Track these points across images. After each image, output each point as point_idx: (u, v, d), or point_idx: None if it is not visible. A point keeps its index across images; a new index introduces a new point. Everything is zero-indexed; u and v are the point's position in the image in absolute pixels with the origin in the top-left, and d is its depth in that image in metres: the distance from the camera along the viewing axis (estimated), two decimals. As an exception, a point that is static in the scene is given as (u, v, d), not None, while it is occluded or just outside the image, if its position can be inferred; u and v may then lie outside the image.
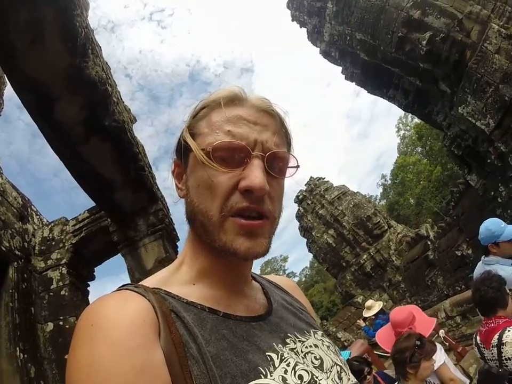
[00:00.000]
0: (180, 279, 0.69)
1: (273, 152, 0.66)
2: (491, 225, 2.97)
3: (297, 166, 0.71)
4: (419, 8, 7.65)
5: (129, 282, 0.70)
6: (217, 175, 0.63)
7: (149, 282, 0.67)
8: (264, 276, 0.90)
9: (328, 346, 0.73)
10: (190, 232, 0.73)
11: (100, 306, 0.56)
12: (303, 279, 52.28)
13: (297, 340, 0.68)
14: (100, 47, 4.57)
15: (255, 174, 0.62)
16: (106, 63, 4.78)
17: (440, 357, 2.97)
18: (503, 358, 2.30)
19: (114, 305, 0.56)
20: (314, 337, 0.73)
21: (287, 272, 53.28)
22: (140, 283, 0.66)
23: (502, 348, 2.31)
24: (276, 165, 0.67)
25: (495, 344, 2.36)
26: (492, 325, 2.49)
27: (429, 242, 13.35)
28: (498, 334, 2.38)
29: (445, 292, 11.39)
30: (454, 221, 11.57)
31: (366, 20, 8.70)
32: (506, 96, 6.81)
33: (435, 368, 2.88)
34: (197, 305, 0.62)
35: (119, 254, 6.25)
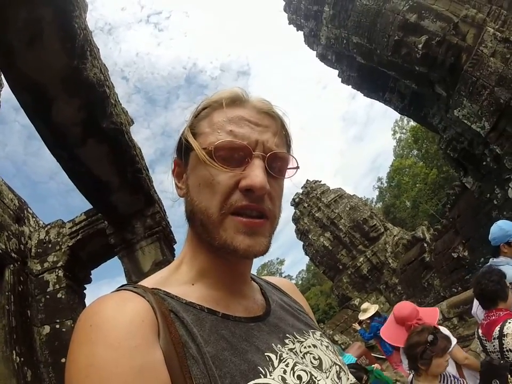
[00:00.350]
0: (179, 278, 0.69)
1: (274, 153, 0.66)
2: (504, 225, 3.06)
3: (297, 167, 0.72)
4: (415, 12, 7.72)
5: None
6: (218, 174, 0.64)
7: (148, 282, 0.66)
8: (262, 277, 0.90)
9: (327, 346, 0.73)
10: (189, 231, 0.74)
11: (98, 307, 0.56)
12: (300, 282, 52.24)
13: (296, 340, 0.69)
14: (98, 49, 4.57)
15: (256, 173, 0.62)
16: (104, 65, 4.78)
17: (452, 339, 2.96)
18: (505, 349, 2.34)
19: (113, 305, 0.56)
20: (313, 337, 0.73)
21: (283, 275, 53.25)
22: (139, 283, 0.66)
23: (503, 340, 2.35)
24: (276, 165, 0.68)
25: (496, 336, 2.40)
26: (493, 317, 2.52)
27: (425, 245, 13.41)
28: (499, 326, 2.41)
29: (442, 294, 11.43)
30: (450, 223, 11.63)
31: (362, 23, 8.77)
32: (501, 99, 6.88)
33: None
34: (196, 306, 0.62)
35: (116, 256, 6.24)
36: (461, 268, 10.92)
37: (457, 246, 10.93)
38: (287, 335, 0.68)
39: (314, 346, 0.71)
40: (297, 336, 0.70)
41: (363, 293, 18.22)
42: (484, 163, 8.19)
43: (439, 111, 9.37)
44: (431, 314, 3.10)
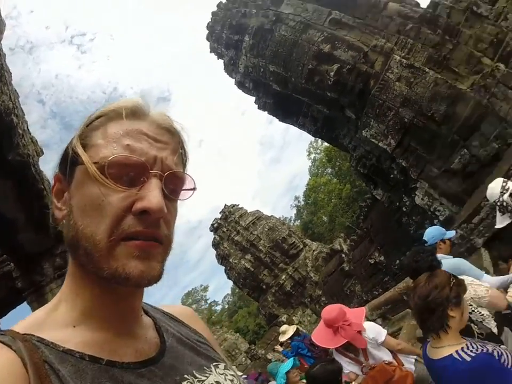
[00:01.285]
0: (59, 319, 0.59)
1: (172, 172, 0.61)
2: (438, 227, 3.56)
3: (194, 188, 0.66)
4: (329, 42, 8.43)
5: None
6: (109, 193, 0.56)
7: (20, 326, 0.57)
8: (158, 307, 0.81)
9: (231, 380, 0.69)
10: (70, 263, 0.63)
11: None
12: (226, 306, 51.53)
13: (195, 380, 0.63)
14: (10, 73, 4.10)
15: (153, 194, 0.57)
16: (15, 90, 4.31)
17: (380, 330, 3.28)
18: None
19: None
20: (216, 372, 0.68)
21: (209, 301, 52.00)
22: (11, 328, 0.56)
23: None
24: (174, 185, 0.63)
25: None
26: None
27: (343, 255, 14.30)
28: None
29: (364, 298, 12.21)
30: (365, 233, 12.62)
31: (279, 53, 9.28)
32: (405, 118, 7.78)
33: (381, 340, 3.10)
34: (75, 354, 0.54)
35: (25, 302, 5.58)
36: (378, 272, 11.85)
37: (373, 252, 11.87)
38: (185, 376, 0.62)
39: (218, 383, 0.65)
40: (197, 375, 0.64)
41: (289, 308, 18.62)
42: (392, 176, 9.11)
43: (349, 132, 10.23)
44: (357, 315, 3.37)
